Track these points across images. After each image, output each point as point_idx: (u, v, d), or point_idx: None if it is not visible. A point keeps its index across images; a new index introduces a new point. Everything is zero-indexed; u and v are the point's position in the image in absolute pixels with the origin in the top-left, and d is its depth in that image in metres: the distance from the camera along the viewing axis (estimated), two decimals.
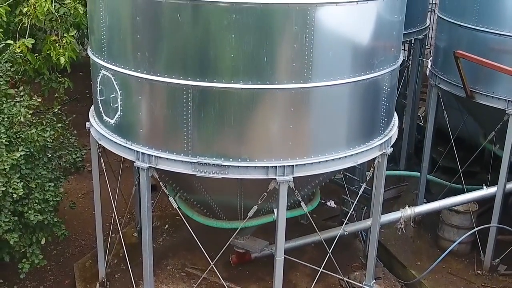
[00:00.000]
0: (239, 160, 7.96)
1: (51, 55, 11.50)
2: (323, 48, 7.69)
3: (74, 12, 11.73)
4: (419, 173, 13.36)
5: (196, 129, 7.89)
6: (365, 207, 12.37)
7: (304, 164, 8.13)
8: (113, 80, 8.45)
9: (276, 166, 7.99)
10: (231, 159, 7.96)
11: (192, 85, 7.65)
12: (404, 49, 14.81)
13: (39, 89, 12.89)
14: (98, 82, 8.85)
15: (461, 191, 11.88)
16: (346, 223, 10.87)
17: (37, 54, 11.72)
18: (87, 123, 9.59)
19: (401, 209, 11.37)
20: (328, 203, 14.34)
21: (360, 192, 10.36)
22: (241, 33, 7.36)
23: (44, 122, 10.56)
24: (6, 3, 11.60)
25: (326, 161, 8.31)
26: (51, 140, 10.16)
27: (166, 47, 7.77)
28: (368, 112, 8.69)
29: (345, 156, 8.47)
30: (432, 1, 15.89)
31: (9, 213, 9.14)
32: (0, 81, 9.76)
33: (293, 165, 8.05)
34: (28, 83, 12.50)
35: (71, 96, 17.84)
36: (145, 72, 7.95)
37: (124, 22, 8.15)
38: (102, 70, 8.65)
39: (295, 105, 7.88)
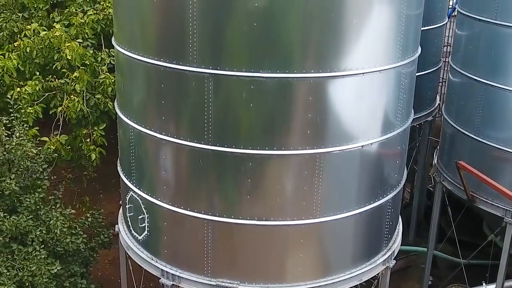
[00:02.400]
0: (254, 283, 8.82)
1: (83, 148, 12.48)
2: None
3: (104, 103, 12.73)
4: (426, 249, 14.10)
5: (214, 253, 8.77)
6: None
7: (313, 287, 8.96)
8: (141, 203, 9.34)
9: None
10: (246, 283, 8.81)
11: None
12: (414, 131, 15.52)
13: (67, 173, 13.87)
14: (128, 200, 9.75)
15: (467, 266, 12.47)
16: None
17: (69, 147, 12.66)
18: (116, 226, 10.49)
19: None
20: None
21: None
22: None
23: (77, 226, 11.41)
24: (42, 98, 12.59)
25: (333, 282, 9.11)
26: (83, 246, 11.03)
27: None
28: (372, 234, 9.46)
29: (350, 277, 9.26)
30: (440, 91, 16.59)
31: None
32: (39, 190, 10.67)
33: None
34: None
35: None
36: (170, 203, 8.85)
37: (151, 159, 9.05)
38: (131, 192, 9.56)
39: (304, 237, 8.70)
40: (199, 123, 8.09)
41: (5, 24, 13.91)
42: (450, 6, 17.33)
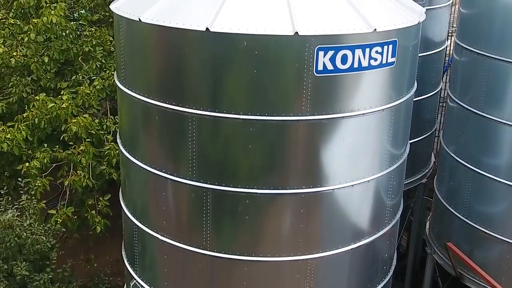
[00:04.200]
0: None
1: (88, 218, 13.03)
2: None
3: (109, 174, 13.28)
4: None
5: None
6: None
7: None
8: None
9: None
10: None
11: None
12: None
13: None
14: (131, 286, 10.30)
15: None
16: None
17: (75, 217, 13.21)
18: None
19: None
20: None
21: None
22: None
23: None
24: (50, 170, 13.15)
25: None
26: None
27: None
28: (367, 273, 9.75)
29: None
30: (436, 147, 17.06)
31: None
32: (47, 270, 11.22)
33: None
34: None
35: None
36: None
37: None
38: (134, 281, 10.11)
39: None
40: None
41: (14, 89, 14.47)
42: (447, 62, 17.78)
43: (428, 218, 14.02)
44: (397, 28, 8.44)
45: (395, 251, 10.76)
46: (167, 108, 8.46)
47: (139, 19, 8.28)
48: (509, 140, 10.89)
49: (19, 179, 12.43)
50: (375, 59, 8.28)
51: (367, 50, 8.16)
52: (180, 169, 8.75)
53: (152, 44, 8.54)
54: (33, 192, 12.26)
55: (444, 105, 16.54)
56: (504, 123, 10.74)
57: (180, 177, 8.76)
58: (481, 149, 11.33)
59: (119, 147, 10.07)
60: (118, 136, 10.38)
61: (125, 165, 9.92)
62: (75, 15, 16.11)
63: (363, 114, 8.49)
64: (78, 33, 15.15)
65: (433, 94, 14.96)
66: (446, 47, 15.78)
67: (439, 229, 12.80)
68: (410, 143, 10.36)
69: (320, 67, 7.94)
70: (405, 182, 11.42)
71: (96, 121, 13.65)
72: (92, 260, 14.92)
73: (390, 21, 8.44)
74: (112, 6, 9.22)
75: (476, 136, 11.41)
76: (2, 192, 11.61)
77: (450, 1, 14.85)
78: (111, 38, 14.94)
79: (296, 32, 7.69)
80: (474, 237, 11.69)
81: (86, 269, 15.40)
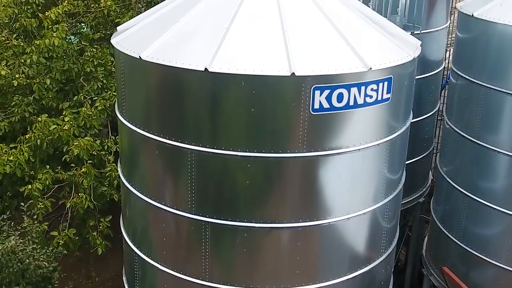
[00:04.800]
0: None
1: (89, 238, 13.22)
2: None
3: (110, 195, 13.47)
4: None
5: None
6: None
7: None
8: None
9: None
10: None
11: None
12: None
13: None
14: None
15: None
16: None
17: (77, 237, 13.39)
18: None
19: None
20: None
21: None
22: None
23: None
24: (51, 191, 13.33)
25: None
26: None
27: None
28: None
29: None
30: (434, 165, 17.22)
31: None
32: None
33: None
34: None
35: None
36: None
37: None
38: None
39: None
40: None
41: (17, 108, 14.65)
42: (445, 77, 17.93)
43: (426, 237, 14.16)
44: (392, 66, 8.60)
45: (391, 277, 10.93)
46: (166, 143, 8.64)
47: (139, 56, 8.46)
48: (504, 166, 11.05)
49: (21, 203, 12.59)
50: (371, 96, 8.45)
51: (363, 88, 8.33)
52: (179, 202, 8.93)
53: (152, 80, 8.72)
54: (35, 216, 12.44)
55: (442, 117, 16.68)
56: (499, 151, 10.90)
57: (179, 210, 8.94)
58: (477, 175, 11.49)
59: (119, 173, 10.26)
60: (118, 163, 10.56)
61: (124, 193, 10.10)
62: (75, 34, 16.26)
63: (358, 149, 8.65)
64: (79, 50, 15.30)
65: (431, 114, 15.11)
66: (444, 67, 15.93)
67: (435, 251, 12.97)
68: (408, 163, 10.49)
69: (317, 106, 8.11)
70: (402, 201, 11.61)
71: (98, 142, 13.82)
72: (94, 277, 15.09)
73: (385, 58, 8.60)
74: (113, 41, 9.39)
75: (472, 162, 11.57)
76: (4, 217, 11.76)
77: (448, 23, 15.00)
78: (112, 59, 15.11)
79: (293, 73, 7.86)
80: (470, 260, 11.86)
81: (88, 285, 15.60)
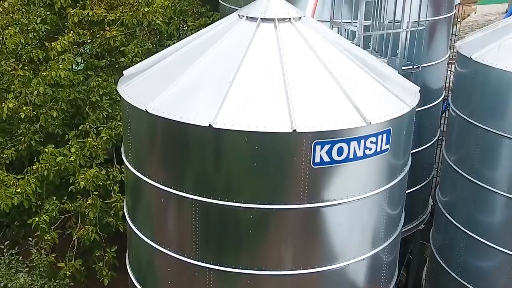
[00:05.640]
0: None
1: (96, 269, 13.52)
2: None
3: (116, 226, 13.76)
4: None
5: None
6: None
7: None
8: None
9: None
10: None
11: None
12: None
13: None
14: None
15: None
16: None
17: (83, 268, 13.68)
18: None
19: None
20: None
21: None
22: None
23: None
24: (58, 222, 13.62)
25: None
26: None
27: None
28: None
29: None
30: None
31: None
32: None
33: None
34: None
35: None
36: None
37: None
38: None
39: None
40: None
41: (23, 137, 14.94)
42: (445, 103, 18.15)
43: (426, 262, 14.42)
44: (391, 118, 8.85)
45: None
46: (170, 192, 8.91)
47: (145, 109, 8.72)
48: (500, 205, 11.29)
49: (29, 238, 12.89)
50: (370, 149, 8.70)
51: (362, 141, 8.59)
52: (182, 247, 9.19)
53: (157, 131, 8.99)
54: (43, 251, 12.73)
55: (441, 143, 16.91)
56: (495, 191, 11.15)
57: (183, 256, 9.20)
58: (474, 211, 11.72)
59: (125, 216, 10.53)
60: (124, 202, 10.83)
61: (129, 232, 10.37)
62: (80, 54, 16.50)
63: (358, 199, 8.92)
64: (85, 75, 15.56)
65: (431, 144, 15.36)
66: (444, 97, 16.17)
67: (434, 283, 13.21)
68: (408, 192, 10.68)
69: (317, 160, 8.37)
70: (402, 229, 11.79)
71: (103, 172, 14.11)
72: None
73: (384, 110, 8.85)
74: (120, 89, 9.66)
75: (469, 198, 11.81)
76: (13, 252, 12.06)
77: (447, 55, 15.24)
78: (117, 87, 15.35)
79: (295, 130, 8.12)
80: None
81: None
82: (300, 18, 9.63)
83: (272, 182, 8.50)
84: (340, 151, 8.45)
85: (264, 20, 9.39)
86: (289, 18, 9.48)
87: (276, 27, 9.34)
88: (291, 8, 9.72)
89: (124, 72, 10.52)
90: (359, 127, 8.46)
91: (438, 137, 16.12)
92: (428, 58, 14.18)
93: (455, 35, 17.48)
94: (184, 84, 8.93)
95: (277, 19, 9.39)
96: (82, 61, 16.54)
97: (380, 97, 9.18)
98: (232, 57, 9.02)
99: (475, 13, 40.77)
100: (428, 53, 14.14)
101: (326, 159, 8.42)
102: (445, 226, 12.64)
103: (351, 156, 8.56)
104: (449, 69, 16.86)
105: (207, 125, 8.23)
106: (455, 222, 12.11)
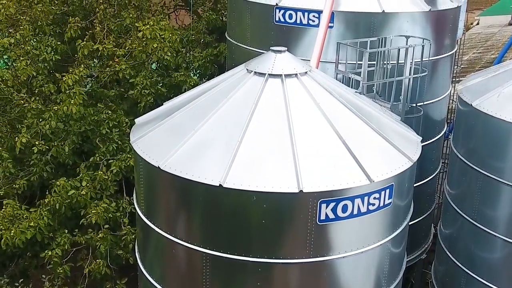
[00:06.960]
0: None
1: None
2: None
3: (126, 259, 14.14)
4: None
5: None
6: None
7: None
8: None
9: None
10: None
11: None
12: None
13: None
14: None
15: None
16: None
17: None
18: None
19: None
20: None
21: None
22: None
23: None
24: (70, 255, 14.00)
25: None
26: None
27: None
28: None
29: None
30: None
31: None
32: None
33: None
34: None
35: None
36: None
37: None
38: None
39: None
40: None
41: (35, 168, 15.33)
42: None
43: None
44: (394, 175, 9.22)
45: None
46: (181, 245, 9.30)
47: (158, 166, 9.10)
48: (500, 249, 11.64)
49: (43, 276, 13.27)
50: (373, 204, 9.08)
51: (366, 198, 8.97)
52: None
53: (169, 187, 9.37)
54: (56, 285, 13.13)
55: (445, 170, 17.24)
56: (495, 235, 11.49)
57: None
58: (475, 252, 12.08)
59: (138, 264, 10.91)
60: (136, 248, 11.21)
61: (142, 280, 10.76)
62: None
63: (361, 252, 9.29)
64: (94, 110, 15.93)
65: (433, 176, 15.69)
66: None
67: None
68: (411, 224, 10.96)
69: (323, 217, 8.76)
70: None
71: (113, 204, 14.46)
72: None
73: (387, 167, 9.23)
74: (133, 141, 10.03)
75: (469, 240, 12.16)
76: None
77: (449, 90, 15.57)
78: (126, 120, 15.75)
79: (301, 190, 8.50)
80: None
81: None
82: (306, 72, 9.99)
83: (279, 239, 8.89)
84: (344, 208, 8.83)
85: (271, 75, 9.77)
86: (296, 74, 9.85)
87: (283, 82, 9.72)
88: (297, 62, 10.09)
89: (136, 120, 10.90)
90: (363, 185, 8.82)
91: (440, 169, 16.45)
92: (431, 94, 14.51)
93: (458, 65, 17.78)
94: (195, 141, 9.29)
95: (284, 74, 9.77)
96: (91, 89, 16.89)
97: (383, 153, 9.53)
98: (241, 114, 9.39)
99: (478, 24, 41.08)
100: (431, 90, 14.46)
101: (331, 216, 8.80)
102: (447, 263, 12.99)
103: (355, 212, 8.94)
104: (452, 99, 17.22)
105: (217, 185, 8.60)
106: (454, 260, 12.46)
